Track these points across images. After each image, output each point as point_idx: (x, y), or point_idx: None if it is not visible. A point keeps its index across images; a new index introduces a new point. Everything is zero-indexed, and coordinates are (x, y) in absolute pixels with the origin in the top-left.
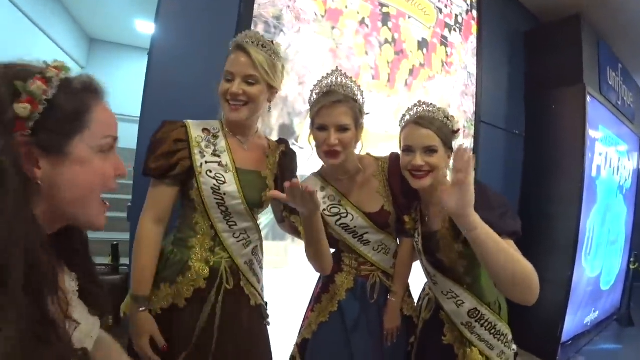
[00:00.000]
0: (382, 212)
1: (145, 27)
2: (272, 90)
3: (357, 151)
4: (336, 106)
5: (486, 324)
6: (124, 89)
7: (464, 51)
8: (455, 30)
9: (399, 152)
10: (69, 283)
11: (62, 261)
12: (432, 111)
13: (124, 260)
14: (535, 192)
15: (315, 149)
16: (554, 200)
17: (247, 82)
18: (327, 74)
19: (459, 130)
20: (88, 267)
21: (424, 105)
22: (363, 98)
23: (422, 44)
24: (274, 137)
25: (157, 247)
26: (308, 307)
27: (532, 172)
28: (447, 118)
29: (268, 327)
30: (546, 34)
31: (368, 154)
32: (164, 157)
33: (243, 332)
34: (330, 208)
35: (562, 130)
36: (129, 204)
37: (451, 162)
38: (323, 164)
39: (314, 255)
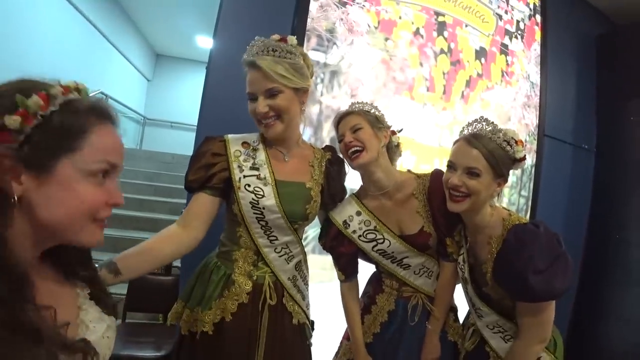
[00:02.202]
0: (422, 233)
1: (205, 43)
2: (300, 91)
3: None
4: (348, 116)
5: None
6: (186, 100)
7: (526, 59)
8: (516, 37)
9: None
10: (78, 290)
11: (65, 272)
12: (493, 131)
13: (176, 263)
14: (607, 215)
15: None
16: (629, 225)
17: (270, 95)
18: (351, 104)
19: (522, 159)
20: (92, 275)
21: (484, 123)
22: (380, 112)
23: (480, 53)
24: None
25: (167, 241)
26: (344, 334)
27: (604, 192)
28: (508, 143)
29: (311, 347)
30: (622, 37)
31: (409, 171)
32: (201, 169)
33: (285, 351)
34: (366, 234)
35: None
36: (183, 209)
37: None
38: (361, 184)
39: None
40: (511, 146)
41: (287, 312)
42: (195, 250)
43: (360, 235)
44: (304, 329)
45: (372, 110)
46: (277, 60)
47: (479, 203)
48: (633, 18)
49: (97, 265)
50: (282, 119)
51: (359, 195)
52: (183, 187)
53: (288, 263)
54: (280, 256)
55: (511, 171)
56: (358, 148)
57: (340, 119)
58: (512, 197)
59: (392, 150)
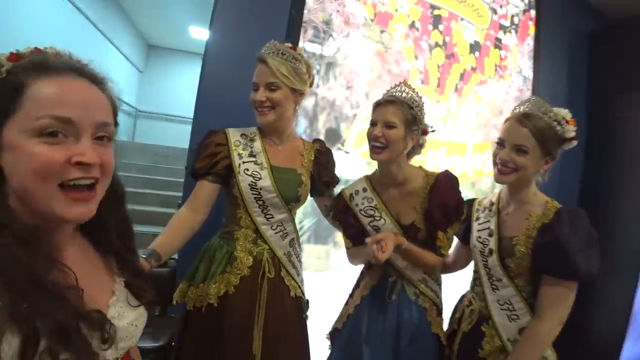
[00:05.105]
0: (412, 226)
1: (199, 33)
2: (296, 93)
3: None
4: (388, 105)
5: None
6: (179, 92)
7: (520, 54)
8: (510, 31)
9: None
10: (116, 277)
11: (109, 255)
12: (544, 111)
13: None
14: (594, 208)
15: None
16: (616, 217)
17: (270, 89)
18: (396, 84)
19: (572, 138)
20: (129, 260)
21: (535, 102)
22: (422, 111)
23: (475, 47)
24: None
25: (183, 225)
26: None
27: (592, 185)
28: (559, 122)
29: (307, 320)
30: (614, 33)
31: (420, 167)
32: (207, 158)
33: (285, 320)
34: (367, 210)
35: (629, 140)
36: (179, 201)
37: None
38: (375, 169)
39: (362, 261)
40: (561, 125)
41: (285, 286)
42: (191, 243)
43: (361, 209)
44: (300, 303)
45: (415, 108)
46: (283, 62)
47: (526, 178)
48: (626, 14)
49: (143, 256)
50: (275, 110)
51: (370, 178)
52: (177, 179)
53: (283, 240)
54: (276, 233)
55: None
56: (381, 145)
57: (381, 103)
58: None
59: (415, 149)
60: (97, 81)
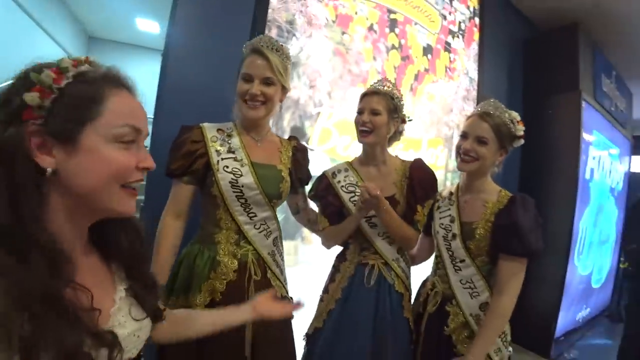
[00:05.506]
0: (392, 199)
1: (147, 26)
2: (284, 90)
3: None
4: (372, 95)
5: None
6: None
7: (466, 57)
8: (458, 36)
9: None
10: (118, 285)
11: (115, 263)
12: (501, 111)
13: None
14: (531, 194)
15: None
16: (549, 202)
17: (265, 83)
18: (379, 80)
19: (521, 136)
20: (139, 270)
21: (493, 104)
22: (401, 102)
23: (427, 50)
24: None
25: (176, 239)
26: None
27: (528, 174)
28: (512, 122)
29: (292, 319)
30: (545, 42)
31: (397, 156)
32: (183, 157)
33: (274, 322)
34: (348, 186)
35: (558, 135)
36: (142, 204)
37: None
38: (354, 157)
39: (338, 239)
40: (514, 124)
41: (272, 287)
42: None
43: (342, 186)
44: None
45: (396, 99)
46: (279, 59)
47: (484, 167)
48: (555, 25)
49: None
50: (266, 105)
51: (351, 162)
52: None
53: (267, 239)
54: (260, 232)
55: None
56: (368, 129)
57: (367, 94)
58: (454, 181)
59: (395, 135)
60: (137, 96)
